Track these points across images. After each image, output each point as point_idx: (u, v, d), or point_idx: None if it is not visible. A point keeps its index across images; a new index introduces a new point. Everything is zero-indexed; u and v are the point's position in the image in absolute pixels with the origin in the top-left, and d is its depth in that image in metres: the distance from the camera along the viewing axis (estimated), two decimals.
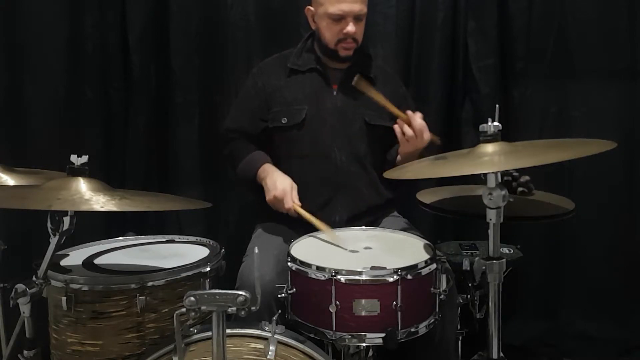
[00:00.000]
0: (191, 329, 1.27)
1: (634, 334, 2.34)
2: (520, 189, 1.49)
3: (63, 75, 2.22)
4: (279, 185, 1.67)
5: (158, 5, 2.28)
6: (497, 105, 1.35)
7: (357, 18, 1.79)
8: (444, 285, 1.38)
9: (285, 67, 1.89)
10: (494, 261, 1.29)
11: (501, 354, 1.34)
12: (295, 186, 1.68)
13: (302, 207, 1.65)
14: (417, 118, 1.71)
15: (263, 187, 1.74)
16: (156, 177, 2.34)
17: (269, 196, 1.69)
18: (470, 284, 1.90)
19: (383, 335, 1.28)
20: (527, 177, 1.49)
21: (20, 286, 1.21)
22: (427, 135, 1.71)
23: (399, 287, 1.28)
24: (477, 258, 1.33)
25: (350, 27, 1.77)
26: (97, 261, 1.49)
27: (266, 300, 1.45)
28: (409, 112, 1.73)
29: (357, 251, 1.51)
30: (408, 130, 1.70)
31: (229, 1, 2.29)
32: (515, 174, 1.47)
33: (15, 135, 2.18)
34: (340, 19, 1.77)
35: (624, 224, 2.37)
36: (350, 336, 1.30)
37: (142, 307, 1.32)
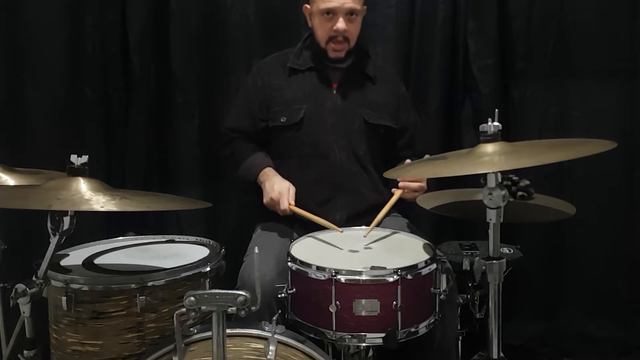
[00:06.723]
0: (191, 329, 1.27)
1: (634, 334, 2.34)
2: (519, 193, 1.48)
3: (63, 75, 2.21)
4: (276, 187, 1.68)
5: (158, 5, 2.28)
6: (497, 110, 1.34)
7: (348, 15, 1.78)
8: (444, 285, 1.38)
9: (285, 66, 1.89)
10: (494, 261, 1.29)
11: (501, 354, 1.34)
12: (293, 188, 1.69)
13: (301, 207, 1.65)
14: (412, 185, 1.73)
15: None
16: (156, 177, 2.34)
17: (265, 198, 1.71)
18: (470, 284, 1.90)
19: (383, 335, 1.28)
20: (527, 182, 1.48)
21: (20, 286, 1.21)
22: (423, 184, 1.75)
23: (399, 287, 1.28)
24: (477, 258, 1.32)
25: (340, 24, 1.76)
26: (97, 261, 1.49)
27: (266, 300, 1.45)
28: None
29: (357, 251, 1.51)
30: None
31: (229, 1, 2.29)
32: (514, 178, 1.45)
33: (15, 135, 2.18)
34: (331, 15, 1.77)
35: (623, 224, 2.37)
36: (350, 336, 1.30)
37: (142, 307, 1.32)
